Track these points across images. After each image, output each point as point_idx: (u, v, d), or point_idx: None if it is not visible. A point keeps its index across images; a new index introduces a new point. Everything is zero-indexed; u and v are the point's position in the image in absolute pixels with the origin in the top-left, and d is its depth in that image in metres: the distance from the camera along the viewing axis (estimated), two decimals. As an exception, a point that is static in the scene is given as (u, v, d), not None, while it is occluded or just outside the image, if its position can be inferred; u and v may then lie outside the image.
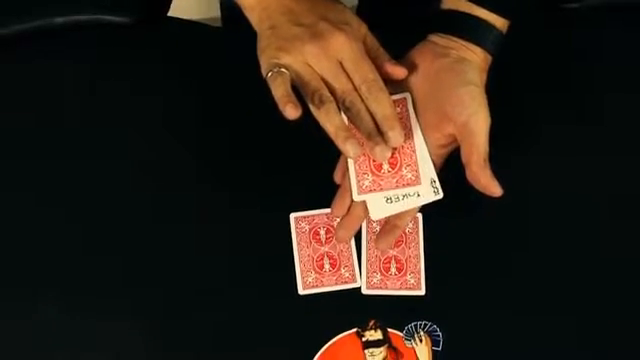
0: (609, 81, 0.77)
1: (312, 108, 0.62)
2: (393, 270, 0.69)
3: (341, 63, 0.62)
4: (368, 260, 0.70)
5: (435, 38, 0.66)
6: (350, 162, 0.65)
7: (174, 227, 0.71)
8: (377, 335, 0.67)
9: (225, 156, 0.74)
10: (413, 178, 0.64)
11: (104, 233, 0.71)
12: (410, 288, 0.69)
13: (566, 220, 0.71)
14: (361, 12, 1.06)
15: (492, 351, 0.67)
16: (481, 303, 0.68)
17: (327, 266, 0.69)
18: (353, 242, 0.70)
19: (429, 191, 0.65)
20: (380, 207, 0.66)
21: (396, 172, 0.64)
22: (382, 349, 0.67)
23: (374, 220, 0.68)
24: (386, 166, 0.64)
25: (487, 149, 0.62)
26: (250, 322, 0.68)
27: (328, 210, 0.70)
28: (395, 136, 0.62)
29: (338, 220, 0.69)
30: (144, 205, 0.72)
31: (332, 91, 0.62)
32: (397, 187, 0.64)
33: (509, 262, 0.69)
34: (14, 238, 0.71)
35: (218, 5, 1.04)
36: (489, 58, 0.66)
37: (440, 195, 0.65)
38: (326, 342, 0.67)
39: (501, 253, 0.70)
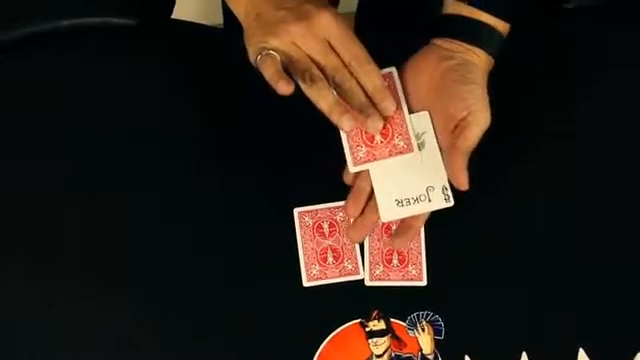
0: (609, 83, 0.78)
1: (304, 87, 0.62)
2: (395, 262, 0.71)
3: (329, 41, 0.63)
4: (371, 252, 0.71)
5: (439, 42, 0.68)
6: (343, 137, 0.67)
7: (178, 225, 0.72)
8: (380, 325, 0.69)
9: (228, 154, 0.75)
10: (405, 146, 0.66)
11: (107, 231, 0.72)
12: (412, 279, 0.70)
13: (564, 218, 0.72)
14: (360, 16, 1.09)
15: (493, 340, 0.68)
16: (481, 293, 0.69)
17: (330, 259, 0.71)
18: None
19: (440, 198, 0.66)
20: (390, 209, 0.67)
21: (388, 142, 0.66)
22: (385, 339, 0.68)
23: (383, 221, 0.69)
24: (378, 137, 0.66)
25: (474, 144, 0.64)
26: (255, 314, 0.69)
27: (331, 204, 0.72)
28: (388, 106, 0.64)
29: (341, 215, 0.72)
30: (147, 204, 0.73)
31: (322, 69, 0.63)
32: (390, 156, 0.66)
33: (509, 253, 0.71)
34: (16, 236, 0.72)
35: (221, 12, 1.06)
36: (491, 61, 0.67)
37: (451, 203, 0.66)
38: (330, 333, 0.68)
39: (501, 244, 0.71)
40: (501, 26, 0.67)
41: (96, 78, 0.79)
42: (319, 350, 0.67)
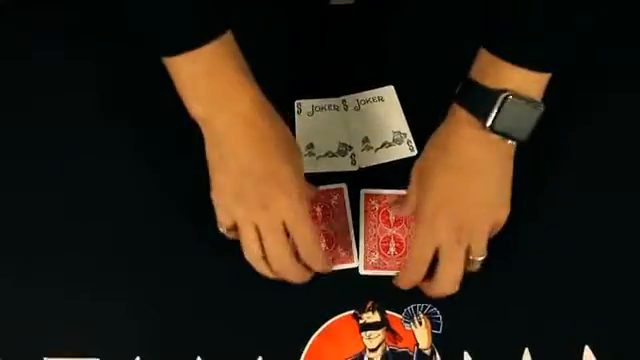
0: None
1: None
2: (392, 250, 0.67)
3: (284, 222, 0.60)
4: (366, 239, 0.67)
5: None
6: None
7: (176, 223, 0.69)
8: (375, 317, 0.65)
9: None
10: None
11: (107, 233, 0.69)
12: (410, 269, 0.66)
13: (569, 212, 0.69)
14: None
15: (494, 335, 0.64)
16: (482, 286, 0.65)
17: (323, 245, 0.67)
18: (351, 220, 0.68)
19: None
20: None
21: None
22: (380, 332, 0.64)
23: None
24: None
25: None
26: (245, 302, 0.65)
27: (325, 187, 0.69)
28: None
29: (336, 199, 0.68)
30: (147, 202, 0.70)
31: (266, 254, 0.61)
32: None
33: (511, 246, 0.66)
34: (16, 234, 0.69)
35: None
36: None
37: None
38: (321, 324, 0.64)
39: (503, 236, 0.66)
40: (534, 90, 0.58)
41: (94, 77, 0.76)
42: (309, 342, 0.64)
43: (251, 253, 0.61)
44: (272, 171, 0.59)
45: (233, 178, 0.59)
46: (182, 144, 0.64)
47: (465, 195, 0.60)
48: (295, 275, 0.62)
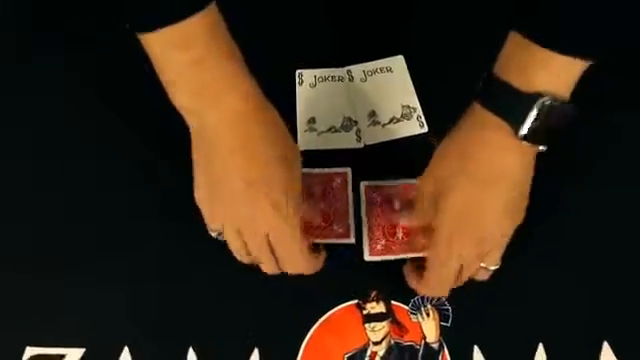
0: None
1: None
2: (399, 235, 0.63)
3: (267, 235, 0.56)
4: (370, 229, 0.63)
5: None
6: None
7: (173, 218, 0.66)
8: (379, 308, 0.62)
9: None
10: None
11: (105, 229, 0.66)
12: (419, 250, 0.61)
13: (584, 207, 0.66)
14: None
15: (506, 329, 0.61)
16: (495, 276, 0.60)
17: (318, 220, 0.63)
18: (351, 203, 0.64)
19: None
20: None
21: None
22: (384, 324, 0.61)
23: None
24: None
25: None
26: (242, 290, 0.62)
27: (328, 170, 0.65)
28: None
29: (338, 182, 0.65)
30: (146, 201, 0.67)
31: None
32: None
33: (524, 238, 0.60)
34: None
35: None
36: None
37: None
38: (323, 314, 0.62)
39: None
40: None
41: (94, 78, 0.73)
42: (309, 333, 0.61)
43: (242, 258, 0.58)
44: (263, 176, 0.53)
45: (218, 180, 0.54)
46: (182, 143, 0.60)
47: (483, 206, 0.54)
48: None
